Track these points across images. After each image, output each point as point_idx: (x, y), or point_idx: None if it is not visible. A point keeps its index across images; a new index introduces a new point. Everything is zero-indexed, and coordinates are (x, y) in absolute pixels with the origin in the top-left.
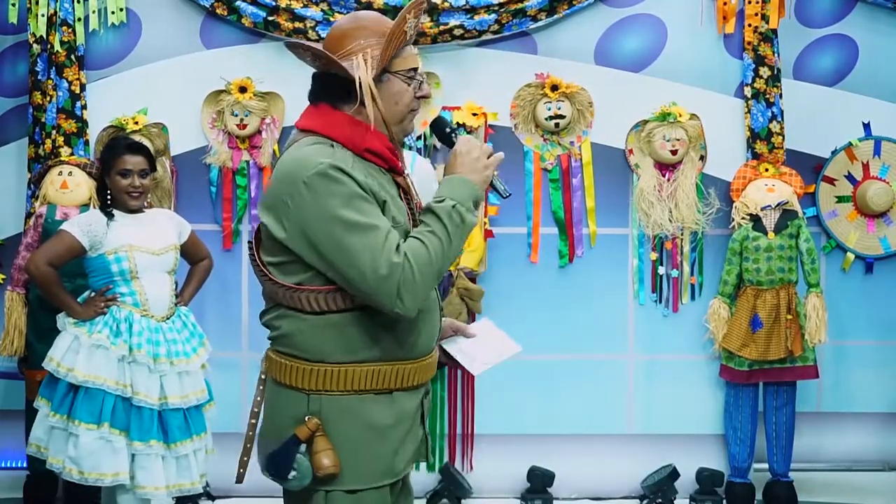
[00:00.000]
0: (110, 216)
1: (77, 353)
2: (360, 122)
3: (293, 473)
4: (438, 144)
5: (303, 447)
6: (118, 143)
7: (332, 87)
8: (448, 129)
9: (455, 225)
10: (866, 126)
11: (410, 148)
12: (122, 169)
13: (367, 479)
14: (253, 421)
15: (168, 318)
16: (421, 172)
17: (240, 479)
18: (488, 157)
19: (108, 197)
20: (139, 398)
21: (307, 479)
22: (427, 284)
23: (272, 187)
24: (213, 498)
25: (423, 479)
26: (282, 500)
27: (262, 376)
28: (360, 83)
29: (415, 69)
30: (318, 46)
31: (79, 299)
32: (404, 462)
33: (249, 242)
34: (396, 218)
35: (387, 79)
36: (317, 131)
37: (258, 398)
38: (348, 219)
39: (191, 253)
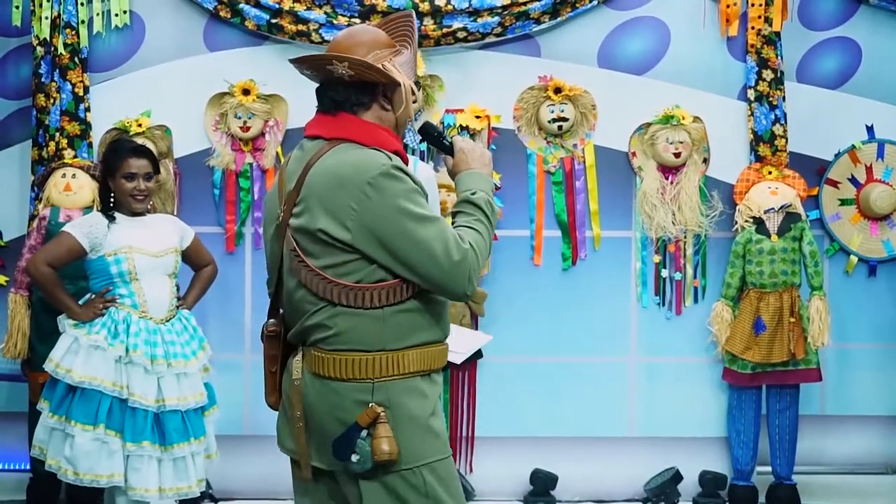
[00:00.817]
0: (111, 219)
1: (76, 354)
2: (385, 127)
3: (355, 457)
4: None
5: (364, 433)
6: (122, 146)
7: (349, 96)
8: (436, 133)
9: (492, 213)
10: (869, 129)
11: (413, 152)
12: (127, 172)
13: (440, 450)
14: (300, 424)
15: (168, 321)
16: (422, 177)
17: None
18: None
19: (111, 200)
20: (134, 399)
21: (368, 464)
22: (481, 268)
23: (321, 191)
24: (216, 500)
25: None
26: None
27: (297, 381)
28: (404, 87)
29: (419, 79)
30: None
31: (80, 301)
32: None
33: (293, 249)
34: None
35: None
36: (352, 139)
37: (297, 402)
38: (417, 213)
39: (194, 258)
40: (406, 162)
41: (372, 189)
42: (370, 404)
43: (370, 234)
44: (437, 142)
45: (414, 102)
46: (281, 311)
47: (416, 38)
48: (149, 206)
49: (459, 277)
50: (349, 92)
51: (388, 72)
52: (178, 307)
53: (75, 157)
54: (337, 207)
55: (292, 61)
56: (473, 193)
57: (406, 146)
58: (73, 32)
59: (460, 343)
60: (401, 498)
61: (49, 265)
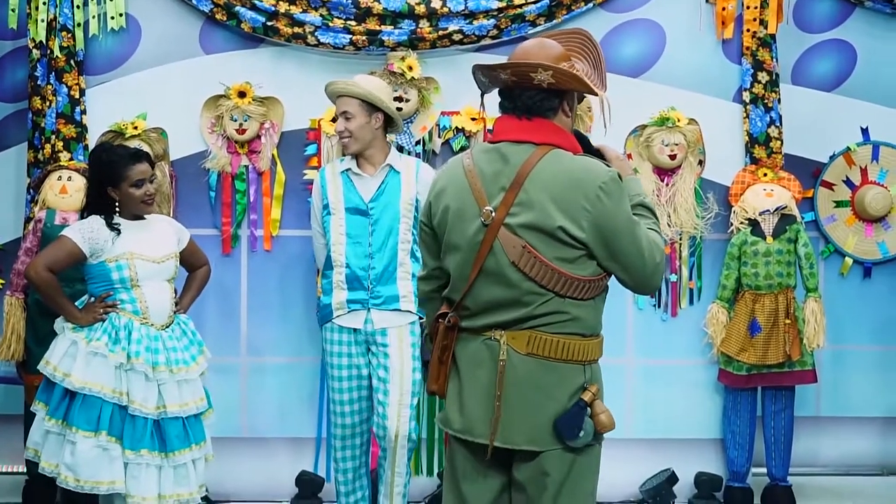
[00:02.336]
0: (115, 229)
1: (74, 358)
2: (569, 132)
3: (582, 433)
4: (438, 150)
5: (589, 411)
6: (120, 153)
7: (541, 101)
8: (585, 140)
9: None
10: (864, 131)
11: (410, 153)
12: (137, 180)
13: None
14: (498, 403)
15: (167, 327)
16: (427, 181)
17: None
18: None
19: (116, 208)
20: (134, 407)
21: (590, 437)
22: None
23: (563, 196)
24: (212, 503)
25: (422, 483)
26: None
27: (502, 362)
28: (604, 101)
29: None
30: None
31: (77, 303)
32: None
33: (524, 246)
34: None
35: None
36: (560, 145)
37: (500, 382)
38: (633, 217)
39: (189, 260)
40: None
41: (604, 193)
42: (588, 384)
43: (599, 233)
44: (587, 146)
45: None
46: (455, 301)
47: (598, 53)
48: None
49: (658, 276)
50: (542, 97)
51: (591, 84)
52: (174, 311)
53: (71, 159)
54: (573, 208)
55: (482, 66)
56: (645, 198)
57: (402, 148)
58: (69, 35)
59: None
60: (594, 465)
61: (49, 269)
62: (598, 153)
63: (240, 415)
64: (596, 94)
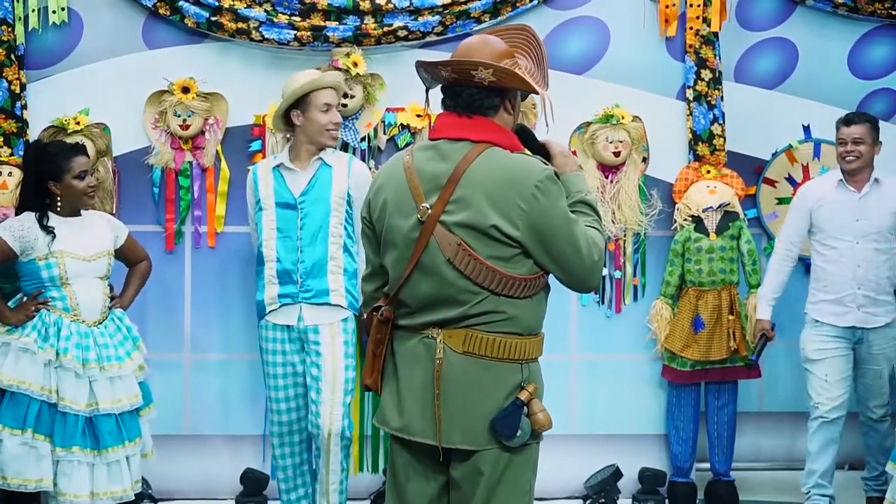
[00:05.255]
0: (48, 230)
1: (5, 356)
2: (510, 131)
3: (519, 431)
4: (383, 146)
5: (525, 410)
6: (60, 147)
7: (482, 99)
8: (531, 135)
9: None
10: (806, 129)
11: (355, 150)
12: (80, 171)
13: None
14: (437, 402)
15: (100, 323)
16: (359, 176)
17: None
18: None
19: (58, 202)
20: (64, 404)
21: (528, 436)
22: None
23: (493, 191)
24: (155, 500)
25: (367, 480)
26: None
27: (439, 361)
28: (544, 98)
29: None
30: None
31: (11, 302)
32: None
33: (459, 244)
34: None
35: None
36: (498, 143)
37: (438, 381)
38: (570, 215)
39: (128, 256)
40: None
41: (539, 191)
42: (526, 383)
43: (534, 232)
44: (531, 142)
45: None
46: (389, 296)
47: (541, 50)
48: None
49: (596, 274)
50: (482, 95)
51: (532, 82)
52: (112, 307)
53: (11, 154)
54: (507, 206)
55: (424, 63)
56: (587, 195)
57: (347, 145)
58: (10, 29)
59: None
60: (529, 466)
61: None
62: (543, 148)
63: (183, 412)
64: (537, 93)
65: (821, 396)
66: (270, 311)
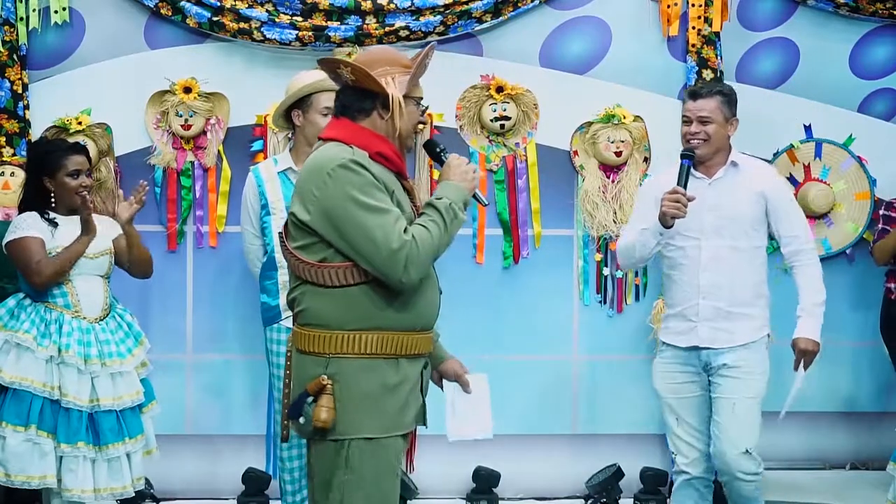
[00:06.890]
0: (53, 224)
1: (7, 353)
2: (373, 132)
3: (302, 420)
4: None
5: (310, 399)
6: (57, 145)
7: (353, 103)
8: (438, 149)
9: (451, 218)
10: (807, 128)
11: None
12: (72, 170)
13: (382, 428)
14: (286, 391)
15: (102, 319)
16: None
17: (284, 439)
18: (473, 172)
19: (52, 200)
20: (67, 400)
21: (310, 427)
22: (427, 261)
23: (300, 181)
24: (157, 500)
25: None
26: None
27: (289, 352)
28: (392, 98)
29: (422, 98)
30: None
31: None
32: (410, 418)
33: (280, 233)
34: (403, 208)
35: (405, 101)
36: (337, 139)
37: (287, 371)
38: (364, 202)
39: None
40: (400, 165)
41: (329, 178)
42: (321, 376)
43: (326, 217)
44: (435, 156)
45: (422, 124)
46: None
47: (423, 63)
48: (90, 204)
49: (396, 264)
50: (354, 98)
51: (386, 85)
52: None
53: (14, 155)
54: (304, 193)
55: (323, 60)
56: (438, 199)
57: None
58: (12, 29)
59: (467, 422)
60: (329, 464)
61: (56, 272)
62: (442, 161)
63: (185, 411)
64: (383, 91)
65: (676, 446)
66: (286, 318)
